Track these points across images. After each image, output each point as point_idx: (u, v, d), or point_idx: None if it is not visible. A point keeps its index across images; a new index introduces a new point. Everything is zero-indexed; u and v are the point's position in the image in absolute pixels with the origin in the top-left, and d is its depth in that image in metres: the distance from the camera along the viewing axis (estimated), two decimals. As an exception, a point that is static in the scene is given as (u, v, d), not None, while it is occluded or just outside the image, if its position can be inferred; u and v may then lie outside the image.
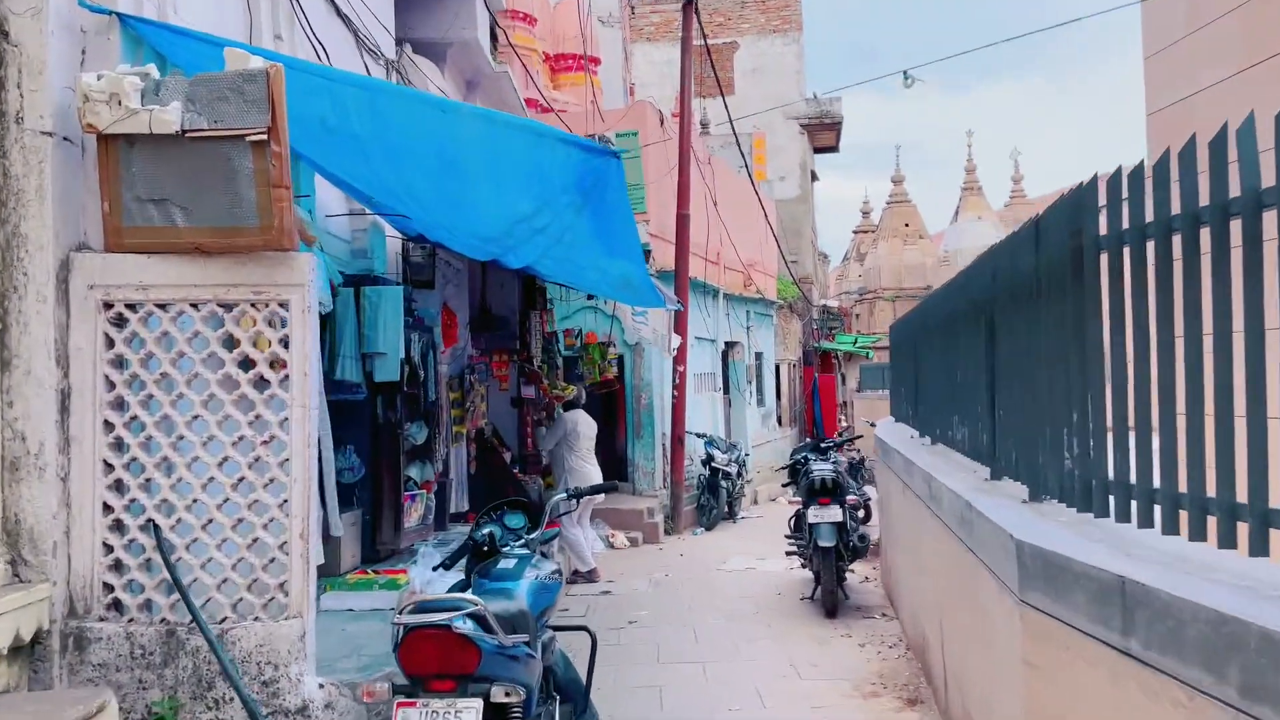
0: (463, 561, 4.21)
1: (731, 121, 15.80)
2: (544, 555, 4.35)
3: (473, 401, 9.34)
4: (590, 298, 11.99)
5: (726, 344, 17.34)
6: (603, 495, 10.63)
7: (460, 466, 9.27)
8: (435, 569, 4.51)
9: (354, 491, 6.96)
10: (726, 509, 14.52)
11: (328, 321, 5.89)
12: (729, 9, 25.27)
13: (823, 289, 28.64)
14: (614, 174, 5.12)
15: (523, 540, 4.33)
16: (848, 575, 8.94)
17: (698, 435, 14.77)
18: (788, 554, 9.80)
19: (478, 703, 3.13)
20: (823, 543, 8.28)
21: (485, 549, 4.16)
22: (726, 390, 17.50)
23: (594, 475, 9.98)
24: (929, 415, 8.47)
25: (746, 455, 15.93)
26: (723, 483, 14.27)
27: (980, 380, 5.32)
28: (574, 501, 5.19)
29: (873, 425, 19.29)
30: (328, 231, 6.29)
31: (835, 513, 8.38)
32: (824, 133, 25.44)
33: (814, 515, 8.42)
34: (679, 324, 13.67)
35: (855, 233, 40.11)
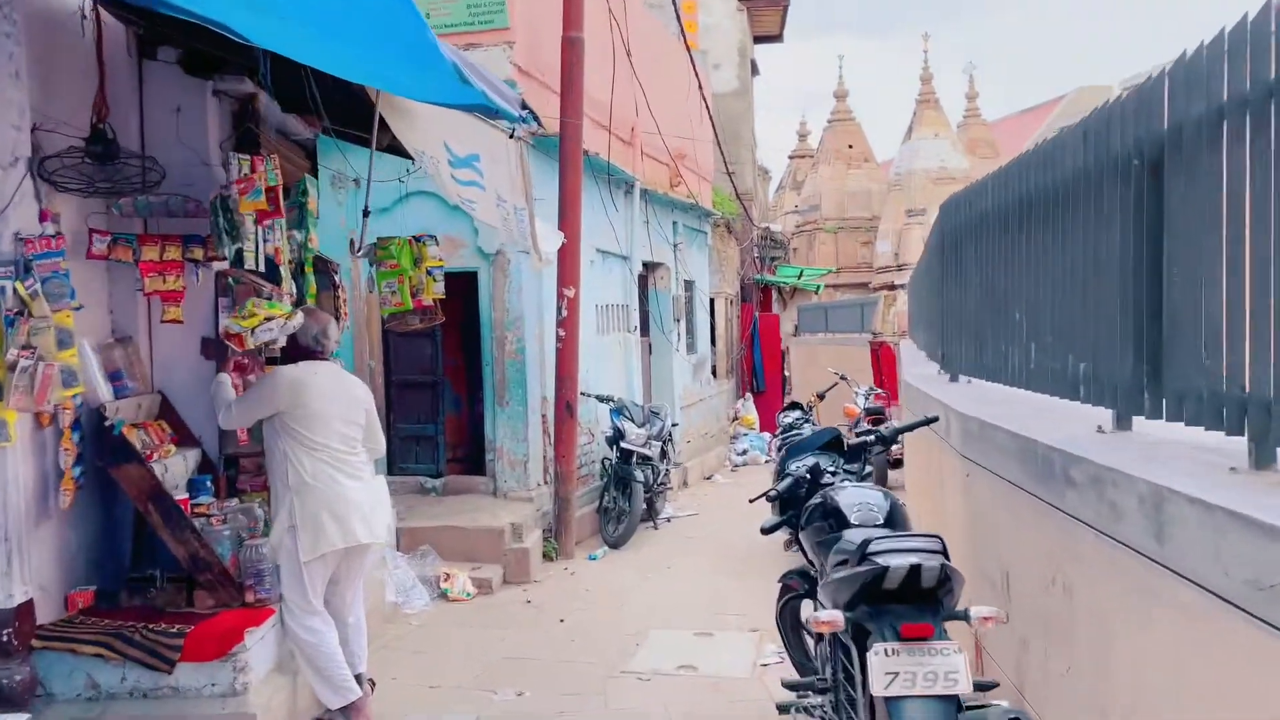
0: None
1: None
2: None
3: (30, 345, 3.75)
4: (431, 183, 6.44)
5: (646, 265, 11.93)
6: (384, 545, 5.21)
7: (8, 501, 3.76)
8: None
9: None
10: (645, 509, 9.22)
11: None
12: None
13: (764, 210, 23.31)
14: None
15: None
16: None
17: (600, 399, 9.38)
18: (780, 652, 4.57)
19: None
20: None
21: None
22: (645, 330, 12.14)
23: (354, 497, 4.56)
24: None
25: (674, 425, 10.61)
26: (638, 471, 8.93)
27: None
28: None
29: (843, 378, 14.18)
30: None
31: (950, 663, 2.94)
32: (767, 11, 19.97)
33: (888, 674, 2.96)
34: (565, 216, 8.16)
35: (791, 158, 34.85)
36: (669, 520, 9.81)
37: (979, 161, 28.39)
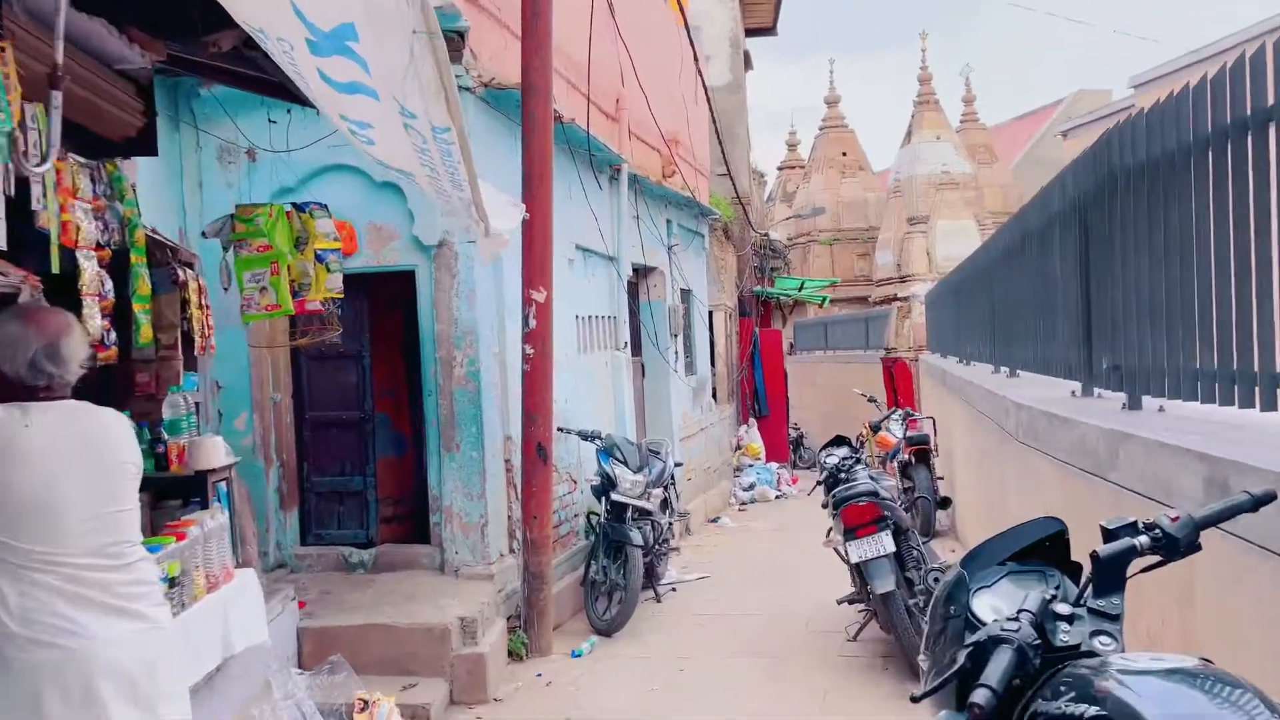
0: None
1: None
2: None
3: None
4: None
5: (637, 270, 9.77)
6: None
7: None
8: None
9: None
10: (643, 575, 6.99)
11: None
12: None
13: (760, 217, 21.23)
14: None
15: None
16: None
17: (584, 436, 7.17)
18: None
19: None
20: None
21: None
22: (637, 350, 9.96)
23: (111, 658, 2.34)
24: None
25: (677, 465, 8.38)
26: (635, 531, 6.70)
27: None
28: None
29: (873, 400, 12.01)
30: None
31: None
32: (759, 2, 17.95)
33: None
34: (532, 193, 5.98)
35: (781, 169, 32.84)
36: (673, 589, 7.57)
37: (978, 167, 26.49)
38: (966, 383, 7.60)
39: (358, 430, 6.42)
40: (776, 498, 13.27)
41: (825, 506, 6.23)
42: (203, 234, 4.53)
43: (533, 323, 5.99)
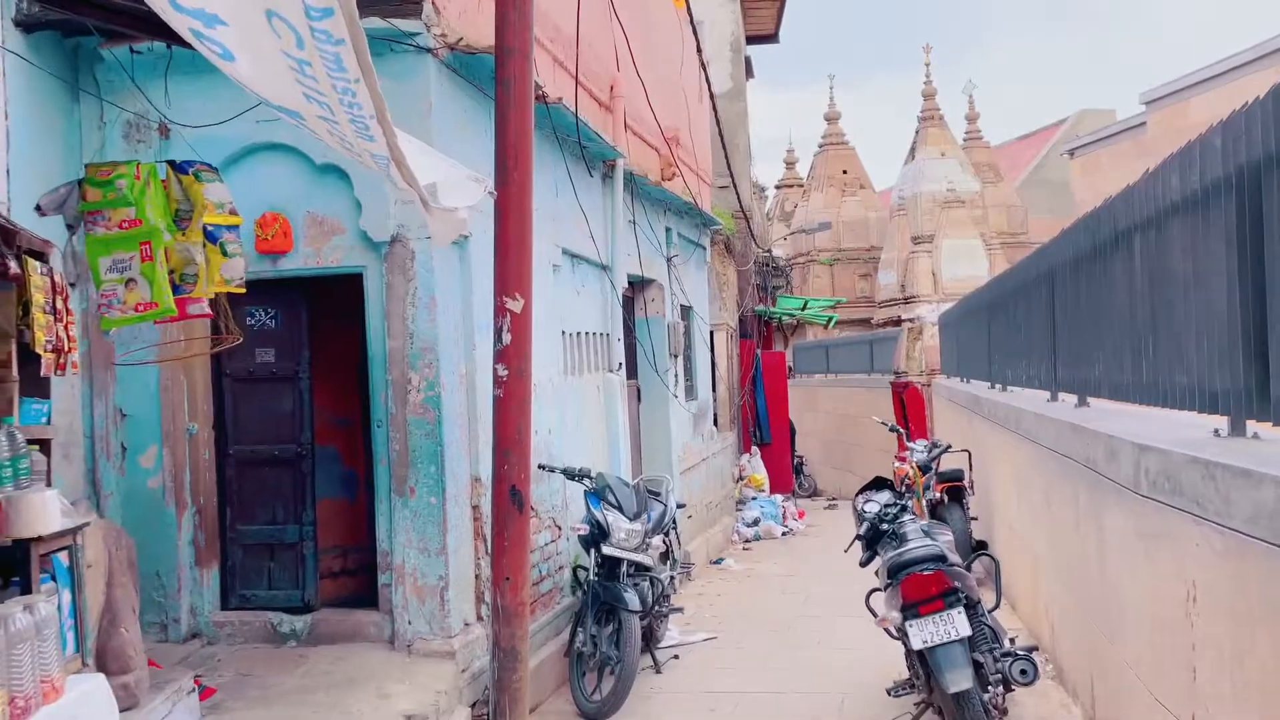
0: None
1: None
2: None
3: None
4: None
5: (633, 282, 8.61)
6: None
7: None
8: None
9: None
10: (643, 642, 5.77)
11: None
12: None
13: (762, 233, 20.10)
14: None
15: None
16: None
17: (570, 475, 5.94)
18: None
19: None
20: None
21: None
22: (633, 372, 8.79)
23: None
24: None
25: (679, 507, 7.15)
26: (630, 592, 5.48)
27: None
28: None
29: (895, 430, 10.82)
30: None
31: None
32: (762, 3, 16.91)
33: None
34: (507, 177, 4.80)
35: (779, 187, 31.82)
36: (676, 656, 6.34)
37: (984, 186, 25.46)
38: (1018, 411, 6.43)
39: (293, 468, 5.21)
40: (783, 534, 12.06)
41: (865, 564, 5.04)
42: (37, 208, 3.35)
43: (507, 338, 4.78)
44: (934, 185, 23.81)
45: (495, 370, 4.78)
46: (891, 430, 10.05)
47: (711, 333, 12.32)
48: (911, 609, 4.11)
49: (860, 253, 26.96)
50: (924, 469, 8.06)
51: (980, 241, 23.38)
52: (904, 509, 5.08)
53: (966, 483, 8.40)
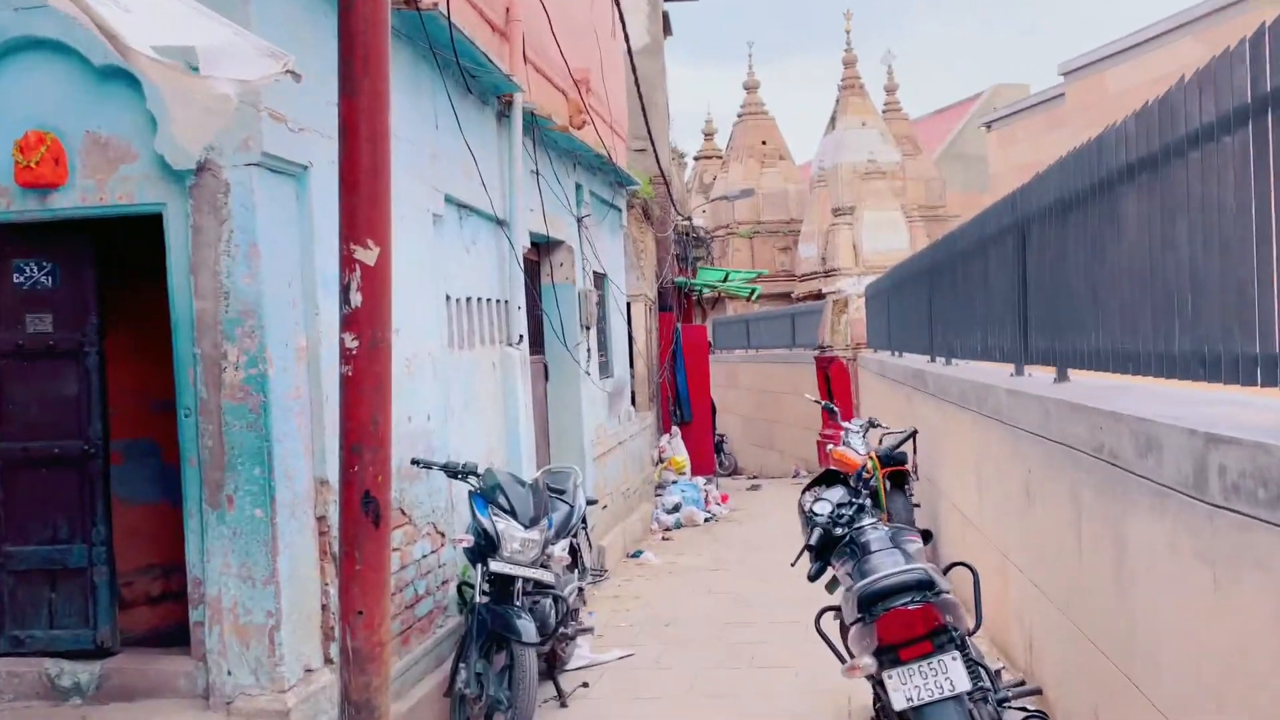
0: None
1: None
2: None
3: None
4: None
5: (538, 244, 7.45)
6: None
7: None
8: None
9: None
10: (545, 667, 4.69)
11: None
12: None
13: (682, 199, 19.04)
14: None
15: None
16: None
17: (452, 473, 4.74)
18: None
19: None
20: None
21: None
22: (539, 347, 7.65)
23: None
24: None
25: (590, 504, 6.05)
26: (524, 619, 4.37)
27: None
28: None
29: (829, 409, 9.90)
30: None
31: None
32: (683, -45, 15.77)
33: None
34: (354, 84, 3.59)
35: (697, 159, 30.82)
36: (585, 684, 5.26)
37: (903, 159, 24.87)
38: (983, 388, 5.52)
39: (79, 470, 3.94)
40: (706, 520, 11.11)
41: (815, 578, 4.04)
42: None
43: (357, 298, 3.60)
44: (855, 155, 23.11)
45: (342, 341, 3.60)
46: (825, 408, 9.15)
47: (629, 304, 11.24)
48: (890, 653, 3.13)
49: (780, 225, 26.18)
50: (889, 460, 6.94)
51: (901, 213, 22.79)
52: (861, 509, 4.10)
53: (910, 466, 7.53)
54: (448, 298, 5.43)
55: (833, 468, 4.54)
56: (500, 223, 6.30)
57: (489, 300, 6.15)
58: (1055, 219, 4.47)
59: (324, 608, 3.90)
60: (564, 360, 7.87)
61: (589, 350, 8.42)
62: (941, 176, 26.99)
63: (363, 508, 3.63)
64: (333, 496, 3.86)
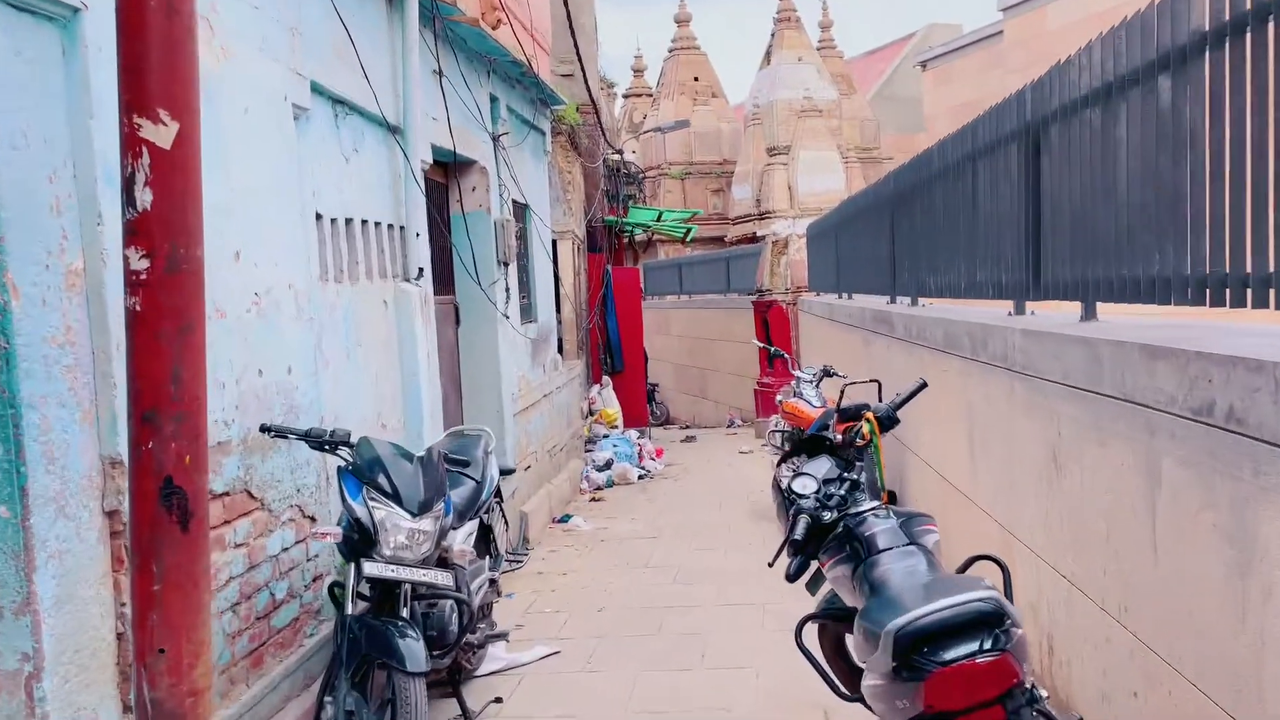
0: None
1: None
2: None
3: None
4: None
5: (444, 163, 6.24)
6: None
7: None
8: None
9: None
10: (447, 676, 3.62)
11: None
12: None
13: (612, 130, 17.74)
14: None
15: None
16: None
17: (315, 442, 3.58)
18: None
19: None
20: None
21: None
22: (448, 286, 6.48)
23: None
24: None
25: (505, 474, 4.95)
26: (408, 638, 3.28)
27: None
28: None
29: (778, 355, 8.92)
30: None
31: None
32: None
33: None
34: None
35: (626, 96, 29.38)
36: (499, 700, 4.21)
37: (839, 98, 23.88)
38: (985, 329, 4.57)
39: None
40: (640, 478, 10.14)
41: (795, 578, 3.04)
42: None
43: (145, 197, 2.40)
44: (791, 92, 22.05)
45: (126, 260, 2.44)
46: (775, 355, 8.18)
47: (554, 241, 10.07)
48: (940, 721, 2.13)
49: (713, 166, 25.06)
50: (887, 421, 5.77)
51: (838, 154, 21.88)
52: (855, 486, 3.11)
53: (872, 422, 6.59)
54: (319, 217, 4.23)
55: (817, 435, 3.52)
56: (393, 129, 5.07)
57: (378, 224, 4.95)
58: (1095, 109, 3.47)
59: (120, 638, 2.76)
60: (479, 302, 6.70)
61: (508, 290, 7.26)
62: (876, 118, 26.11)
63: (162, 501, 2.51)
64: (120, 488, 2.70)
